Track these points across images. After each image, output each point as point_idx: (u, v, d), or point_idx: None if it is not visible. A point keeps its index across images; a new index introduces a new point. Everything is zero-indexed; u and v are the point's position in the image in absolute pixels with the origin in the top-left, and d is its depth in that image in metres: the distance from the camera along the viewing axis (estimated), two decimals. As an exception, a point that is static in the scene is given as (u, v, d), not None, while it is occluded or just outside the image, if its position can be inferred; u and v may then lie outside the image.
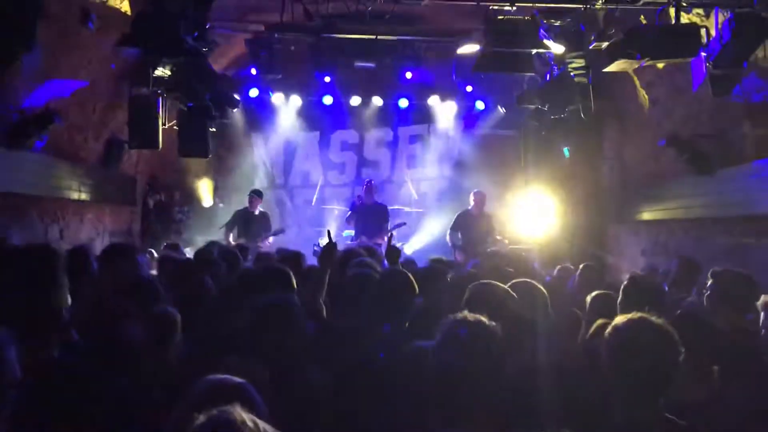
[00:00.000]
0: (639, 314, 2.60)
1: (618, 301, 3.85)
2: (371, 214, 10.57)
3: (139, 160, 11.24)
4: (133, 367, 2.68)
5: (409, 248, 11.24)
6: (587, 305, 4.27)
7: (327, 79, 11.08)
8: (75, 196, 9.21)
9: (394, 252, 5.06)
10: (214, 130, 9.97)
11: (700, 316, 3.58)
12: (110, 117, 9.69)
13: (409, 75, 11.06)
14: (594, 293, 4.34)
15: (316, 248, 10.32)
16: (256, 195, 10.88)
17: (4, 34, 5.91)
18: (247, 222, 10.63)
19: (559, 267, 7.20)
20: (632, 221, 10.34)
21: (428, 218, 12.44)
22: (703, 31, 6.54)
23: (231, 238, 10.38)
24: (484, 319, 2.46)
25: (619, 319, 2.61)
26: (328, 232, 4.80)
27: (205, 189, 12.57)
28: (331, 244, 4.32)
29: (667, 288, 5.35)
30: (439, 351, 2.42)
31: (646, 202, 9.76)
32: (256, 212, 10.78)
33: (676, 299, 5.09)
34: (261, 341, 2.96)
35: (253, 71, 9.35)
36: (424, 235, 12.18)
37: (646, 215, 9.74)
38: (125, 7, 7.71)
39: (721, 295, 4.28)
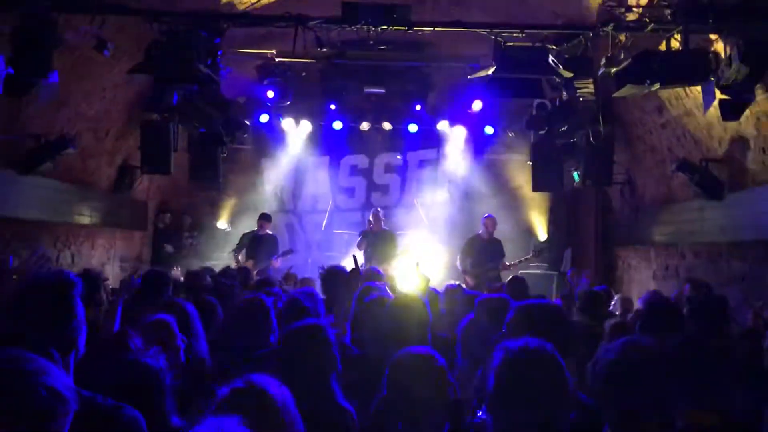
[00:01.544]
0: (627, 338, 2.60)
1: (636, 326, 3.84)
2: (380, 241, 10.58)
3: (150, 185, 11.32)
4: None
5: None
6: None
7: (332, 106, 11.18)
8: (87, 221, 9.28)
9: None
10: (225, 155, 10.06)
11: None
12: (123, 143, 9.79)
13: (418, 107, 11.18)
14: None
15: (321, 272, 10.38)
16: (264, 219, 10.99)
17: (21, 62, 6.02)
18: (256, 245, 10.71)
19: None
20: (642, 246, 10.31)
21: (438, 243, 12.43)
22: (712, 56, 6.56)
23: (240, 261, 10.45)
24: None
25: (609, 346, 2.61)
26: (354, 257, 4.92)
27: (214, 214, 12.62)
28: (356, 270, 4.41)
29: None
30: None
31: (656, 226, 9.74)
32: (264, 235, 10.85)
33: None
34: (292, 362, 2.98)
35: (270, 93, 9.41)
36: (434, 259, 12.15)
37: (657, 239, 9.71)
38: (139, 35, 7.82)
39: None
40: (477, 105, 10.80)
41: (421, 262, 10.34)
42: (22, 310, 2.51)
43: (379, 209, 11.20)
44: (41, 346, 2.27)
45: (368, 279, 5.27)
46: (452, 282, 6.58)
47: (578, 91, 8.78)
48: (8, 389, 1.63)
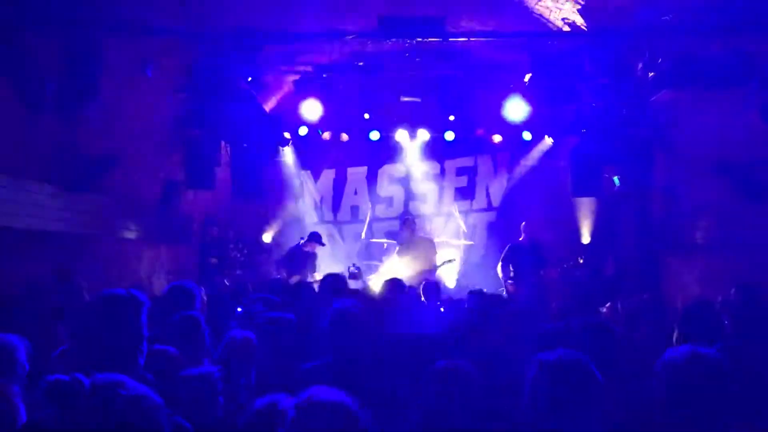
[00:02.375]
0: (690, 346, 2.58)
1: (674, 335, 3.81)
2: (418, 249, 10.61)
3: (194, 200, 11.53)
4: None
5: (458, 281, 11.27)
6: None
7: (366, 115, 11.27)
8: (132, 235, 9.49)
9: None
10: (266, 168, 10.21)
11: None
12: (166, 159, 10.00)
13: (452, 118, 11.23)
14: None
15: (352, 269, 10.60)
16: (314, 240, 11.07)
17: (68, 84, 6.24)
18: (297, 260, 10.83)
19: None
20: (685, 250, 10.15)
21: (478, 251, 12.43)
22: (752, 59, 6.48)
23: (284, 274, 10.60)
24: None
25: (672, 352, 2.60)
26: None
27: (258, 226, 12.80)
28: None
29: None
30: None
31: (699, 231, 9.58)
32: (309, 252, 10.96)
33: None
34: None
35: (317, 105, 9.58)
36: (473, 268, 12.16)
37: (701, 243, 9.55)
38: (181, 54, 8.03)
39: None
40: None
41: (456, 268, 10.50)
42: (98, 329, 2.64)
43: (409, 216, 11.23)
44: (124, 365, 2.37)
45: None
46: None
47: (617, 94, 8.76)
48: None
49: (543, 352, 2.54)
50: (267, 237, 12.73)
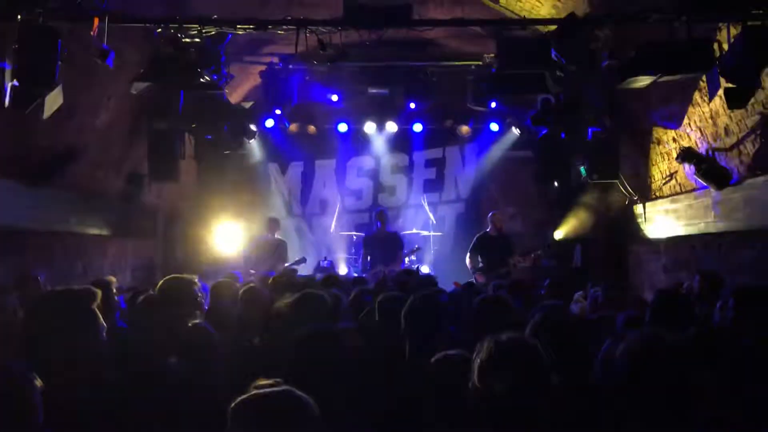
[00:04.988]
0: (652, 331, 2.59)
1: (646, 319, 3.82)
2: (385, 242, 10.60)
3: (159, 193, 11.36)
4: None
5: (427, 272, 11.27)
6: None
7: (335, 97, 11.13)
8: (97, 231, 9.33)
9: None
10: (231, 160, 10.08)
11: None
12: (130, 152, 9.83)
13: (412, 105, 11.17)
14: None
15: (323, 263, 10.58)
16: (274, 223, 11.00)
17: (26, 74, 6.05)
18: (267, 249, 10.73)
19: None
20: (651, 238, 10.28)
21: (446, 242, 12.45)
22: (716, 45, 6.54)
23: (250, 266, 10.48)
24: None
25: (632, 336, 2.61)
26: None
27: (224, 219, 12.66)
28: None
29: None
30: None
31: (665, 219, 9.71)
32: (274, 240, 10.86)
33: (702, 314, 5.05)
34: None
35: (278, 111, 9.51)
36: (443, 258, 12.18)
37: (665, 231, 9.68)
38: (143, 43, 7.87)
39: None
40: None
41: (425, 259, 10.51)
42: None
43: (381, 209, 11.20)
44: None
45: None
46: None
47: (583, 84, 8.79)
48: None
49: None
50: (234, 229, 12.60)
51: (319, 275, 9.17)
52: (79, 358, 2.56)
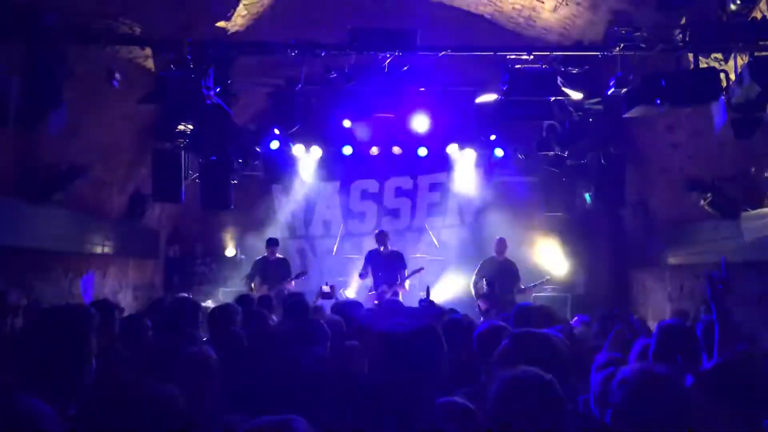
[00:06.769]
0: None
1: (651, 351, 3.75)
2: (388, 261, 10.53)
3: (162, 214, 11.35)
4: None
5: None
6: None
7: (347, 122, 11.15)
8: (99, 250, 9.29)
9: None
10: (236, 182, 10.09)
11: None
12: (134, 171, 9.83)
13: (419, 129, 11.15)
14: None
15: (325, 288, 10.56)
16: (272, 244, 10.98)
17: (32, 92, 6.06)
18: (267, 269, 10.70)
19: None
20: (657, 267, 10.20)
21: (450, 267, 12.36)
22: (723, 75, 6.52)
23: (253, 287, 10.44)
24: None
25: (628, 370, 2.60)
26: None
27: (227, 241, 12.64)
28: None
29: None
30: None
31: (670, 247, 9.64)
32: (275, 259, 10.84)
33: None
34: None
35: (276, 131, 9.53)
36: (446, 283, 12.09)
37: (671, 260, 9.60)
38: (149, 65, 7.88)
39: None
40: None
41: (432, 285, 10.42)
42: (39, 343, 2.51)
43: (382, 230, 11.10)
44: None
45: None
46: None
47: (588, 112, 8.79)
48: None
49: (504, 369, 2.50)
50: (235, 251, 12.58)
51: (320, 301, 9.11)
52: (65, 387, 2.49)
